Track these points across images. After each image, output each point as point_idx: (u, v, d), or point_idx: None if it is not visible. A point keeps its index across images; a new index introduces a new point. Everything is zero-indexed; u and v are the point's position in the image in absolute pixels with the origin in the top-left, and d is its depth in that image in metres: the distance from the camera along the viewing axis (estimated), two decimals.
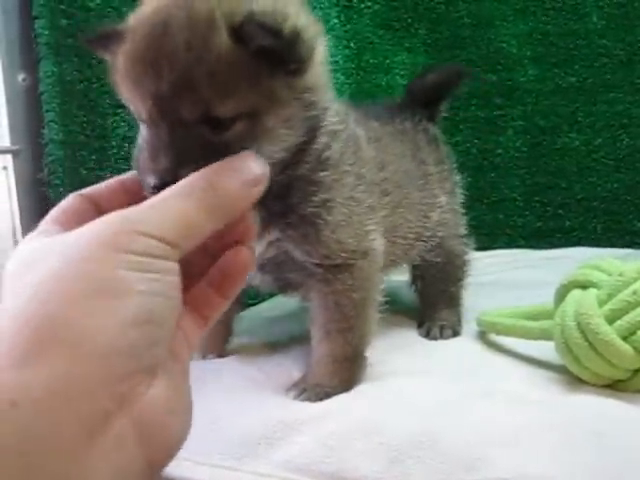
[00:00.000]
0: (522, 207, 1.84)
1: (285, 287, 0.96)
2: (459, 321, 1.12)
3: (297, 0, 0.76)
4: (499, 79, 1.81)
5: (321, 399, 0.85)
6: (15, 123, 1.04)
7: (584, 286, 0.82)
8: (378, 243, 0.92)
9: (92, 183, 1.09)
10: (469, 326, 1.07)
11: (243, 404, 0.84)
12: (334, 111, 0.86)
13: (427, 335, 1.09)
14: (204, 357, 1.03)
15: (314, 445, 0.72)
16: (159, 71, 0.65)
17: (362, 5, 1.82)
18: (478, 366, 0.92)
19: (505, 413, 0.76)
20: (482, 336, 1.02)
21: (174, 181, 0.60)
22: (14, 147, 1.02)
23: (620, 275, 0.79)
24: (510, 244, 1.82)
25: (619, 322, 0.76)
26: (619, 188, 1.75)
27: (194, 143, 0.66)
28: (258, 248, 0.85)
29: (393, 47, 1.84)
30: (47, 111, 1.07)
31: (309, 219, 0.84)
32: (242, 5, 0.67)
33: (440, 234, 1.13)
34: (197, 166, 0.61)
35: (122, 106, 1.16)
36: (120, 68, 0.69)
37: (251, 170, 0.60)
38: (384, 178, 0.99)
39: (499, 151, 1.83)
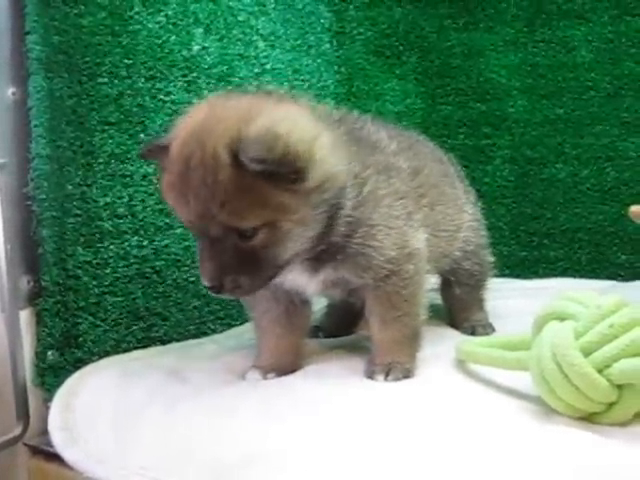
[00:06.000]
0: (508, 236, 1.85)
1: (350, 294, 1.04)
2: (488, 318, 1.31)
3: (294, 111, 0.86)
4: (488, 109, 1.83)
5: (406, 376, 0.96)
6: (2, 136, 1.04)
7: (561, 318, 0.82)
8: (419, 239, 1.00)
9: (77, 199, 1.10)
10: (448, 354, 1.07)
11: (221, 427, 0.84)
12: (360, 164, 0.95)
13: (472, 334, 1.24)
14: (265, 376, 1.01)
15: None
16: (187, 203, 0.81)
17: (354, 32, 1.84)
18: (454, 395, 0.92)
19: (477, 443, 0.76)
20: (460, 365, 1.02)
21: (221, 286, 0.82)
22: (0, 160, 1.02)
23: (597, 308, 0.79)
24: (495, 273, 1.82)
25: (595, 354, 0.76)
26: (604, 220, 1.76)
27: (230, 252, 0.82)
28: (311, 286, 0.99)
29: (384, 74, 1.85)
30: (35, 126, 1.07)
31: (358, 251, 0.93)
32: (240, 133, 0.79)
33: (473, 240, 1.25)
34: (237, 271, 0.82)
35: (110, 123, 1.17)
36: (163, 189, 0.86)
37: None
38: (419, 184, 1.07)
39: (486, 180, 1.85)
